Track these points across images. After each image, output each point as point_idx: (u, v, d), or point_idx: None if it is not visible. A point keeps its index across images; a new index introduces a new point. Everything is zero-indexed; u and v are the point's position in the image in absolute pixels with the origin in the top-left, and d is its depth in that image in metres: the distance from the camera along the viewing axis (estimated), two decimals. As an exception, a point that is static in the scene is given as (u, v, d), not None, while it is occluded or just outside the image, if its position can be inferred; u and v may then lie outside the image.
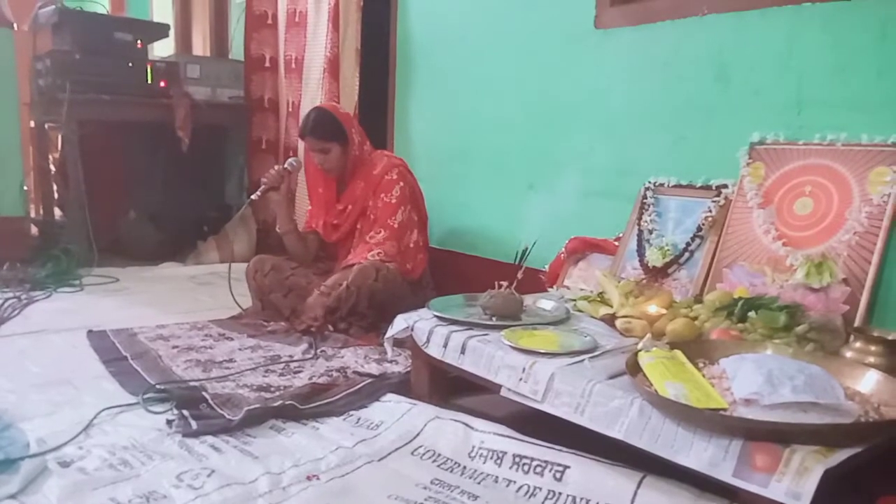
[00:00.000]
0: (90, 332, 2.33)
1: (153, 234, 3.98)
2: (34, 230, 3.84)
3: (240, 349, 2.21)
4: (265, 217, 3.63)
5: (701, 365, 1.32)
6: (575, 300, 1.86)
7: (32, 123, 3.91)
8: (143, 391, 1.75)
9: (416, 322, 1.76)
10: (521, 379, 1.43)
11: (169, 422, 1.58)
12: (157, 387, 1.77)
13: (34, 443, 1.44)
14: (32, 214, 3.96)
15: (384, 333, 1.94)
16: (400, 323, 1.83)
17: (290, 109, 3.64)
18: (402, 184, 2.58)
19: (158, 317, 2.62)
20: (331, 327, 2.34)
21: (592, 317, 1.75)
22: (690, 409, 1.13)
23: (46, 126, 3.90)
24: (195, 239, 3.96)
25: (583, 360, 1.41)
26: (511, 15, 2.60)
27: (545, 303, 1.84)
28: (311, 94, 3.43)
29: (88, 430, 1.53)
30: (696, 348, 1.36)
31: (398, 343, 1.94)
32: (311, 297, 2.47)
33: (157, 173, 4.08)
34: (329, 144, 2.56)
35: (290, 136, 3.69)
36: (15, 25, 3.46)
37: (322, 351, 2.19)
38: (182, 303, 2.89)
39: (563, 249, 2.12)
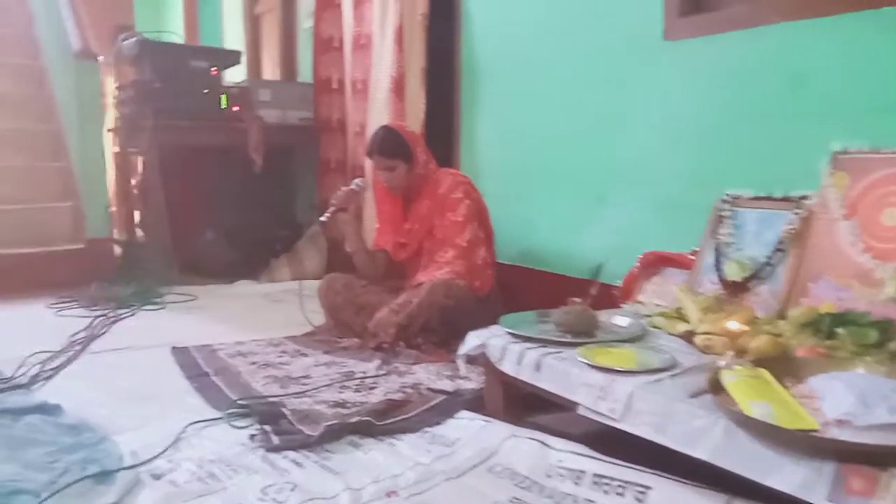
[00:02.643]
0: (174, 348, 2.42)
1: (228, 253, 4.12)
2: (118, 251, 4.02)
3: (315, 365, 2.26)
4: (335, 236, 3.71)
5: (788, 384, 1.28)
6: (650, 316, 1.83)
7: (116, 149, 4.11)
8: (226, 406, 1.81)
9: (490, 339, 1.77)
10: (598, 397, 1.41)
11: (252, 436, 1.63)
12: (239, 402, 1.83)
13: (127, 455, 1.50)
14: (116, 236, 4.14)
15: (455, 350, 1.95)
16: (472, 340, 1.83)
17: (358, 130, 3.72)
18: (468, 201, 2.60)
19: (236, 333, 2.71)
20: (402, 344, 2.37)
21: (669, 333, 1.72)
22: (779, 429, 1.10)
23: (129, 151, 4.09)
24: (268, 257, 4.08)
25: (662, 379, 1.39)
26: (576, 29, 2.60)
27: (620, 319, 1.82)
28: (378, 115, 3.49)
29: (177, 443, 1.59)
30: (782, 367, 1.32)
31: (470, 360, 1.95)
32: (380, 313, 2.50)
33: (230, 194, 4.22)
34: (395, 162, 2.60)
35: (356, 156, 3.76)
36: (100, 58, 3.65)
37: (394, 367, 2.22)
38: (257, 320, 2.98)
39: (637, 264, 2.09)
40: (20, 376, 2.06)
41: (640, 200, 2.35)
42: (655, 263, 2.08)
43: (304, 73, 4.46)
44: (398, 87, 3.31)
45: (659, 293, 1.99)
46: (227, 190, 4.21)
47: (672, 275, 2.02)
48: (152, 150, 3.52)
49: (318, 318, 2.74)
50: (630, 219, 2.37)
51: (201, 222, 4.19)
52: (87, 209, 3.78)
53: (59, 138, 4.17)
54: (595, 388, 1.43)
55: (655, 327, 1.78)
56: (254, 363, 2.27)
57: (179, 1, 6.62)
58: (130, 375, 2.15)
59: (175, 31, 5.16)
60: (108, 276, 3.57)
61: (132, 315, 3.03)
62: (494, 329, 1.82)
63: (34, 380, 2.05)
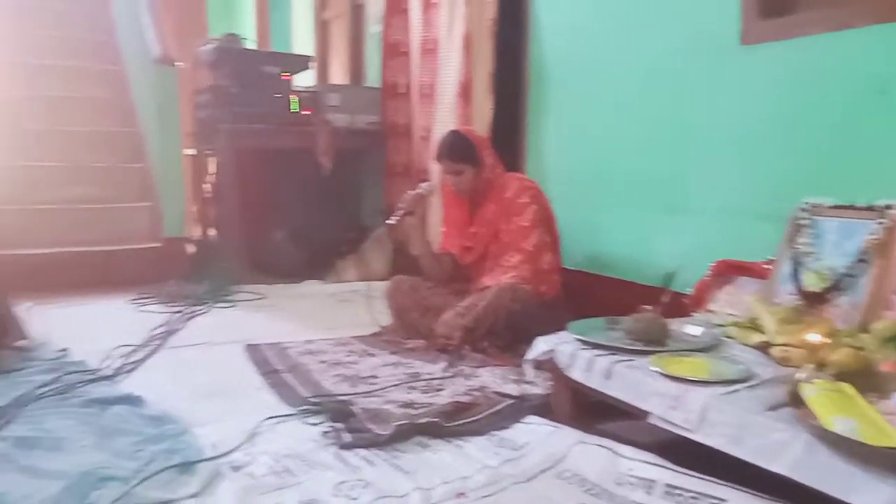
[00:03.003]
0: (247, 345, 2.50)
1: (296, 254, 4.21)
2: (192, 249, 4.17)
3: (382, 365, 2.30)
4: (401, 239, 3.76)
5: (871, 399, 1.24)
6: (723, 326, 1.80)
7: (192, 152, 4.26)
8: (299, 403, 1.87)
9: (558, 345, 1.77)
10: (671, 407, 1.40)
11: (324, 433, 1.67)
12: (311, 400, 1.88)
13: (208, 447, 1.57)
14: (191, 235, 4.29)
15: (520, 354, 1.96)
16: (540, 345, 1.84)
17: (423, 134, 3.77)
18: (534, 206, 2.60)
19: (305, 332, 2.77)
20: (467, 347, 2.39)
21: (744, 344, 1.69)
22: (864, 445, 1.07)
23: (205, 154, 4.23)
24: (334, 258, 4.16)
25: (738, 390, 1.37)
26: (647, 34, 2.58)
27: (692, 328, 1.80)
28: (444, 119, 3.53)
29: (253, 437, 1.65)
30: (865, 381, 1.29)
31: (538, 365, 1.95)
32: (446, 315, 2.52)
33: (299, 196, 4.32)
34: (462, 166, 2.63)
35: (422, 159, 3.81)
36: (178, 63, 3.80)
37: (460, 370, 2.24)
38: (325, 319, 3.04)
39: (709, 272, 2.06)
40: (105, 368, 2.16)
41: (712, 208, 2.31)
42: (728, 272, 2.04)
43: (372, 77, 4.53)
44: (465, 92, 3.34)
45: (731, 303, 1.95)
46: (296, 192, 4.32)
47: (746, 284, 1.98)
48: (227, 153, 3.64)
49: (385, 318, 2.78)
50: (702, 226, 2.33)
51: (270, 223, 4.31)
52: (164, 209, 3.94)
53: (139, 141, 4.35)
54: (668, 397, 1.42)
55: (729, 337, 1.75)
56: (323, 362, 2.33)
57: (251, 8, 6.82)
58: (207, 370, 2.23)
59: (248, 37, 5.32)
60: (184, 274, 3.70)
61: (206, 312, 3.13)
62: (563, 335, 1.82)
63: (118, 372, 2.15)
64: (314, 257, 4.20)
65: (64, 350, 2.33)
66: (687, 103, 2.42)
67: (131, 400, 1.80)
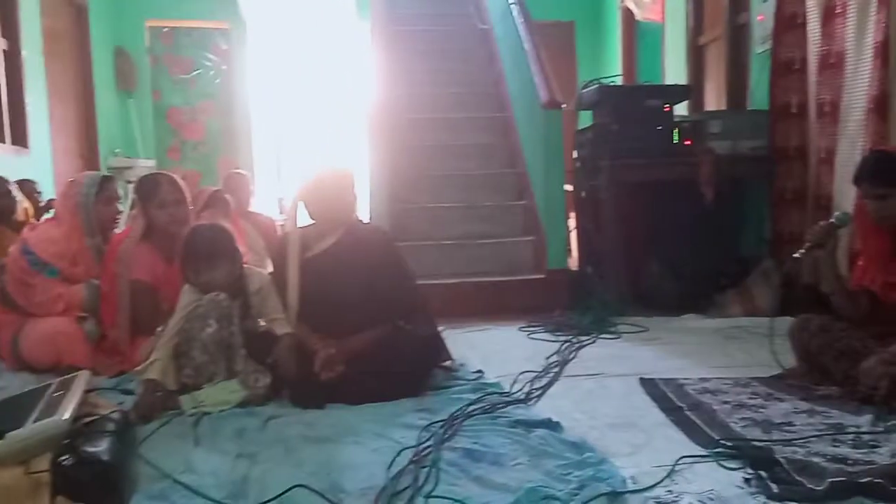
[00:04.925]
0: (642, 379, 2.51)
1: (673, 286, 4.13)
2: (573, 281, 4.35)
3: (794, 412, 2.11)
4: (806, 273, 3.45)
5: None
6: None
7: (571, 188, 4.49)
8: (710, 444, 1.81)
9: None
10: None
11: (746, 480, 1.59)
12: (724, 443, 1.80)
13: (628, 480, 1.60)
14: (572, 267, 4.50)
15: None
16: None
17: (823, 156, 3.41)
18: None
19: (696, 369, 2.69)
20: (901, 398, 2.07)
21: None
22: None
23: (586, 190, 4.41)
24: (712, 291, 3.98)
25: None
26: None
27: None
28: (850, 138, 3.16)
29: (672, 475, 1.64)
30: None
31: None
32: (867, 361, 2.23)
33: (677, 228, 4.23)
34: (888, 190, 2.30)
35: (820, 184, 3.46)
36: (564, 106, 4.05)
37: (893, 424, 1.95)
38: (715, 356, 2.91)
39: None
40: (517, 392, 2.36)
41: None
42: None
43: (755, 100, 4.27)
44: (879, 107, 2.95)
45: None
46: (674, 223, 4.24)
47: None
48: (608, 188, 3.75)
49: (785, 359, 2.56)
50: None
51: (648, 255, 4.30)
52: (547, 242, 4.20)
53: (523, 180, 4.74)
54: None
55: None
56: (726, 402, 2.22)
57: (616, 43, 7.00)
58: (608, 402, 2.29)
59: (614, 74, 5.48)
60: (565, 304, 3.88)
61: (592, 342, 3.23)
62: None
63: (528, 396, 2.32)
64: (692, 290, 4.06)
65: (479, 372, 2.61)
66: None
67: (551, 425, 1.92)
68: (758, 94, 4.19)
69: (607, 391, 2.42)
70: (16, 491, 1.34)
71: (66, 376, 1.90)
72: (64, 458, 1.41)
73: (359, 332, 2.41)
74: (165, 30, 7.16)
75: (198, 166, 7.18)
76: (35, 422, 1.48)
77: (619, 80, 5.01)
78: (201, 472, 1.67)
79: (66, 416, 1.52)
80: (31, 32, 4.97)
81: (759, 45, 4.18)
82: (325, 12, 7.56)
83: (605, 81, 4.02)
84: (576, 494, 1.47)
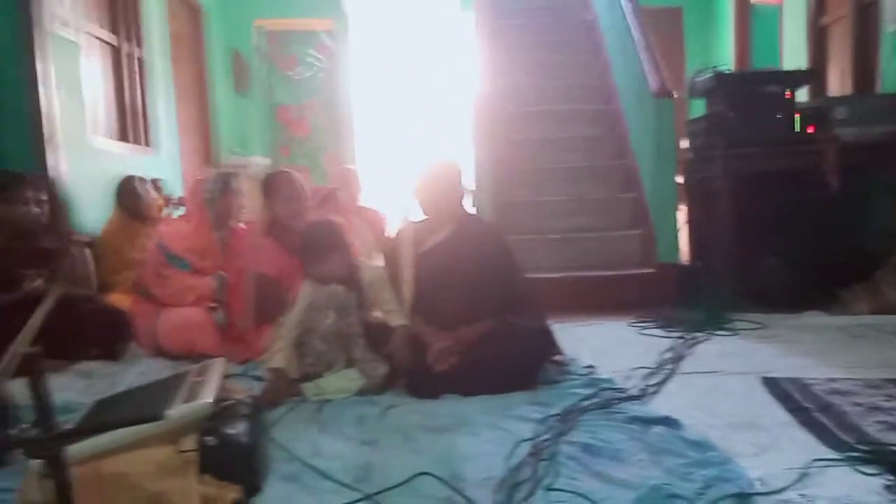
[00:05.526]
0: (764, 378, 2.42)
1: (791, 281, 3.93)
2: (683, 275, 4.23)
3: (936, 417, 1.98)
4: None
5: None
6: None
7: (681, 179, 4.35)
8: (842, 448, 1.73)
9: None
10: None
11: (888, 487, 1.51)
12: (859, 447, 1.72)
13: (755, 481, 1.55)
14: (681, 261, 4.36)
15: None
16: None
17: (967, 141, 3.16)
18: None
19: (820, 369, 2.56)
20: None
21: None
22: None
23: (699, 181, 4.27)
24: (835, 287, 3.76)
25: None
26: None
27: None
28: None
29: (803, 478, 1.57)
30: None
31: None
32: None
33: (796, 220, 4.03)
34: None
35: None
36: (674, 94, 3.94)
37: None
38: (840, 356, 2.76)
39: None
40: (631, 388, 2.33)
41: None
42: None
43: (886, 83, 4.00)
44: None
45: None
46: (794, 215, 4.04)
47: None
48: (723, 179, 3.61)
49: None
50: None
51: (765, 249, 4.12)
52: (657, 236, 4.10)
53: (630, 172, 4.64)
54: None
55: None
56: (857, 404, 2.11)
57: (727, 28, 6.71)
58: (727, 400, 2.22)
59: (725, 61, 5.26)
60: (675, 300, 3.77)
61: (706, 340, 3.13)
62: None
63: (643, 393, 2.29)
64: (812, 286, 3.85)
65: (591, 367, 2.59)
66: None
67: (670, 422, 1.89)
68: (889, 77, 3.92)
69: (726, 389, 2.35)
70: (168, 468, 1.46)
71: (203, 362, 2.03)
72: (209, 438, 1.52)
73: (469, 324, 2.45)
74: (273, 30, 7.45)
75: (305, 162, 7.44)
76: (182, 404, 1.60)
77: (730, 68, 4.81)
78: (328, 457, 1.76)
79: (210, 399, 1.63)
80: (160, 38, 5.30)
81: (891, 23, 3.90)
82: (427, 6, 7.66)
83: (719, 68, 3.86)
84: (702, 494, 1.45)
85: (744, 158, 3.61)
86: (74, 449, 1.05)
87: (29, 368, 1.04)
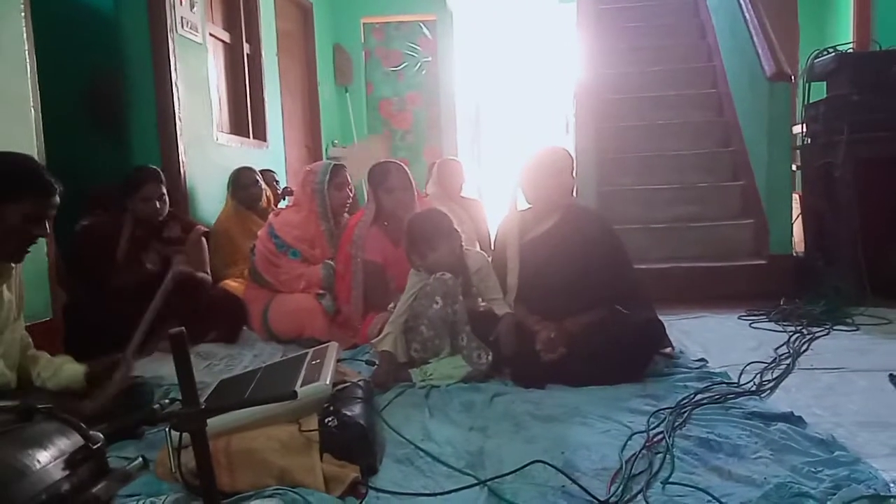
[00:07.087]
0: (892, 375, 2.28)
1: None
2: (798, 267, 4.02)
3: None
4: None
5: None
6: None
7: (795, 167, 4.13)
8: None
9: None
10: None
11: None
12: None
13: (891, 483, 1.46)
14: (797, 252, 4.15)
15: None
16: None
17: None
18: None
19: (959, 368, 2.38)
20: None
21: None
22: None
23: (818, 167, 4.05)
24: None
25: None
26: None
27: None
28: None
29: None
30: None
31: None
32: None
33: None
34: None
35: None
36: (792, 77, 3.74)
37: None
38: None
39: None
40: (747, 383, 2.24)
41: None
42: None
43: None
44: None
45: None
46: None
47: None
48: (846, 165, 3.41)
49: None
50: None
51: (892, 240, 3.85)
52: (770, 225, 3.91)
53: (740, 159, 4.44)
54: None
55: None
56: None
57: (846, 7, 6.29)
58: (853, 398, 2.10)
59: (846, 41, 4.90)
60: (789, 292, 3.59)
61: (826, 334, 2.97)
62: None
63: (760, 388, 2.20)
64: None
65: (702, 360, 2.51)
66: None
67: (792, 419, 1.81)
68: None
69: (851, 387, 2.23)
70: (292, 446, 1.52)
71: (318, 346, 2.11)
72: (329, 419, 1.58)
73: (574, 314, 2.42)
74: (378, 25, 7.59)
75: (406, 155, 7.55)
76: (302, 386, 1.67)
77: (851, 47, 4.49)
78: (439, 442, 1.79)
79: (328, 381, 1.69)
80: (268, 35, 5.50)
81: None
82: (527, -1, 7.61)
83: (840, 49, 3.63)
84: (832, 494, 1.38)
85: (870, 143, 3.40)
86: (210, 423, 1.11)
87: (175, 347, 1.11)
